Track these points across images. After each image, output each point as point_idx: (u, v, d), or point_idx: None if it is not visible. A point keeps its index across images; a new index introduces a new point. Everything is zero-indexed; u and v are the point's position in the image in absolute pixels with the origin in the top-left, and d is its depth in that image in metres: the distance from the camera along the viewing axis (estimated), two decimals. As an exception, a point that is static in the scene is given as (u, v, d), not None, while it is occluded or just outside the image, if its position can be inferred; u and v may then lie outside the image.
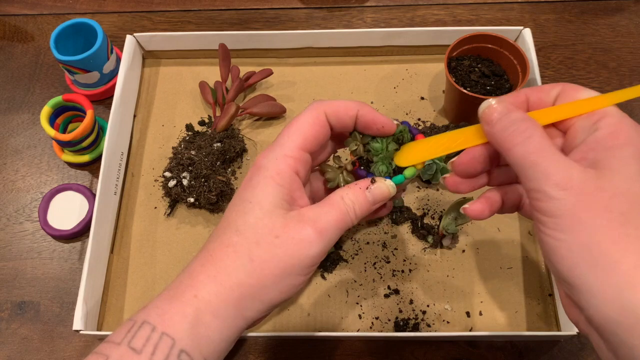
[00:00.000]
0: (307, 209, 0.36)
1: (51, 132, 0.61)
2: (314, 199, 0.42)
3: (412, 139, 0.41)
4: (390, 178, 0.39)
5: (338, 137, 0.41)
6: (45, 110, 0.62)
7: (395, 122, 0.40)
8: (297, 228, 0.34)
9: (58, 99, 0.63)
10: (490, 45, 0.63)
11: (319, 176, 0.44)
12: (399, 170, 0.40)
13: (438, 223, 0.60)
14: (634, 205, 0.28)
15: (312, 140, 0.37)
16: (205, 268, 0.34)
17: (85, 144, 0.64)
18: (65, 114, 0.66)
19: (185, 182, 0.59)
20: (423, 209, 0.62)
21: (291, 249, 0.34)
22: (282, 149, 0.36)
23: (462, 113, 0.64)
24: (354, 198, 0.37)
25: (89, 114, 0.62)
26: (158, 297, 0.35)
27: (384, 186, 0.38)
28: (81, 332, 0.52)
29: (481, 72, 0.63)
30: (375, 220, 0.61)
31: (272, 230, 0.34)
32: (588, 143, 0.31)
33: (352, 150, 0.40)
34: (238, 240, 0.34)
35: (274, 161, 0.36)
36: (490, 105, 0.33)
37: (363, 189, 0.37)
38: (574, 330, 0.51)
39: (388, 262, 0.59)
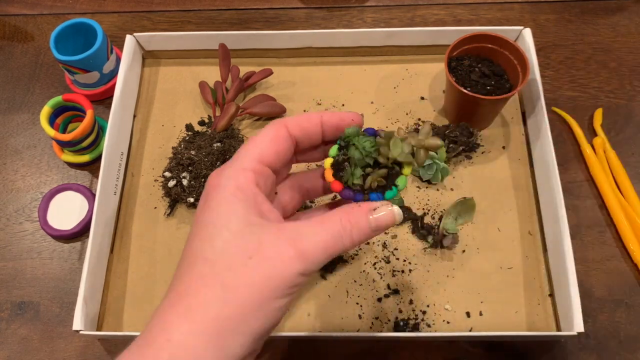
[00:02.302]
0: (290, 223, 0.32)
1: (51, 132, 0.61)
2: (285, 215, 0.38)
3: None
4: (383, 194, 0.34)
5: (307, 152, 0.38)
6: (45, 110, 0.62)
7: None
8: (274, 246, 0.30)
9: (58, 99, 0.63)
10: (490, 45, 0.63)
11: (290, 187, 0.39)
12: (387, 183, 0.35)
13: (438, 223, 0.60)
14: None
15: (271, 153, 0.34)
16: (176, 308, 0.30)
17: (85, 144, 0.64)
18: (65, 114, 0.66)
19: (185, 182, 0.59)
20: (423, 209, 0.62)
21: (267, 270, 0.30)
22: (239, 164, 0.33)
23: (463, 113, 0.64)
24: (354, 221, 0.32)
25: (89, 113, 0.62)
26: (130, 346, 0.30)
27: (391, 213, 0.33)
28: (81, 332, 0.52)
29: (481, 72, 0.63)
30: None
31: (244, 251, 0.30)
32: None
33: (332, 155, 0.36)
34: (208, 270, 0.30)
35: (231, 177, 0.33)
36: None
37: (366, 212, 0.33)
38: (574, 331, 0.51)
39: (388, 262, 0.59)
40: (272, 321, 0.30)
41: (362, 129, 0.36)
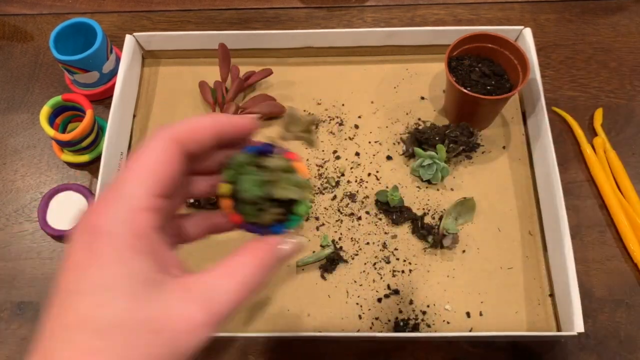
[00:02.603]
0: (196, 277, 0.27)
1: (50, 132, 0.61)
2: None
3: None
4: (284, 225, 0.31)
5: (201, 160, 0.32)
6: (45, 110, 0.62)
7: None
8: (183, 314, 0.25)
9: (57, 98, 0.63)
10: (490, 45, 0.63)
11: (194, 224, 0.33)
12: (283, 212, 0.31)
13: (438, 223, 0.60)
14: None
15: (168, 182, 0.27)
16: None
17: (84, 144, 0.64)
18: (64, 114, 0.66)
19: (185, 182, 0.59)
20: (423, 209, 0.62)
21: (175, 343, 0.25)
22: (131, 200, 0.26)
23: (463, 113, 0.63)
24: (265, 263, 0.28)
25: (89, 113, 0.62)
26: None
27: (296, 245, 0.30)
28: (81, 332, 0.52)
29: (481, 72, 0.63)
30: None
31: (148, 324, 0.25)
32: None
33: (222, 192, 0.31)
34: (103, 345, 0.24)
35: (125, 221, 0.26)
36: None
37: (274, 249, 0.29)
38: (574, 331, 0.50)
39: (388, 263, 0.59)
40: None
41: (257, 148, 0.32)
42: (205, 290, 0.26)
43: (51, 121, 0.64)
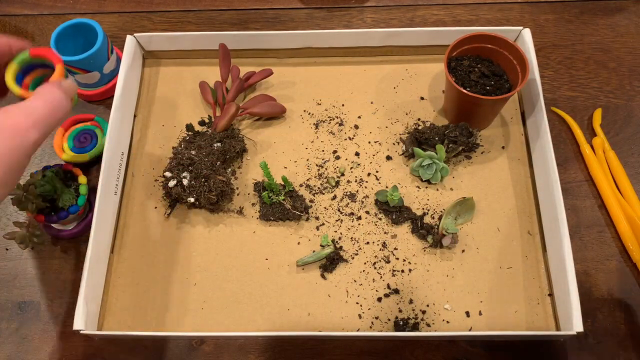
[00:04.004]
0: (16, 105, 0.40)
1: (17, 90, 0.50)
2: None
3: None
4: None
5: None
6: (12, 67, 0.51)
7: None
8: (14, 121, 0.38)
9: (25, 54, 0.51)
10: (489, 46, 0.63)
11: None
12: None
13: (438, 223, 0.61)
14: None
15: None
16: None
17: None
18: (34, 72, 0.53)
19: (185, 182, 0.59)
20: (423, 208, 0.62)
21: (12, 142, 0.38)
22: None
23: (462, 113, 0.64)
24: (55, 89, 0.44)
25: (58, 68, 0.51)
26: None
27: (70, 83, 0.46)
28: (81, 332, 0.52)
29: (481, 72, 0.63)
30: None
31: None
32: None
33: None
34: None
35: None
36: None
37: (58, 83, 0.45)
38: (573, 330, 0.51)
39: (388, 262, 0.59)
40: (12, 183, 0.39)
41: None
42: (24, 107, 0.41)
43: (19, 80, 0.52)
